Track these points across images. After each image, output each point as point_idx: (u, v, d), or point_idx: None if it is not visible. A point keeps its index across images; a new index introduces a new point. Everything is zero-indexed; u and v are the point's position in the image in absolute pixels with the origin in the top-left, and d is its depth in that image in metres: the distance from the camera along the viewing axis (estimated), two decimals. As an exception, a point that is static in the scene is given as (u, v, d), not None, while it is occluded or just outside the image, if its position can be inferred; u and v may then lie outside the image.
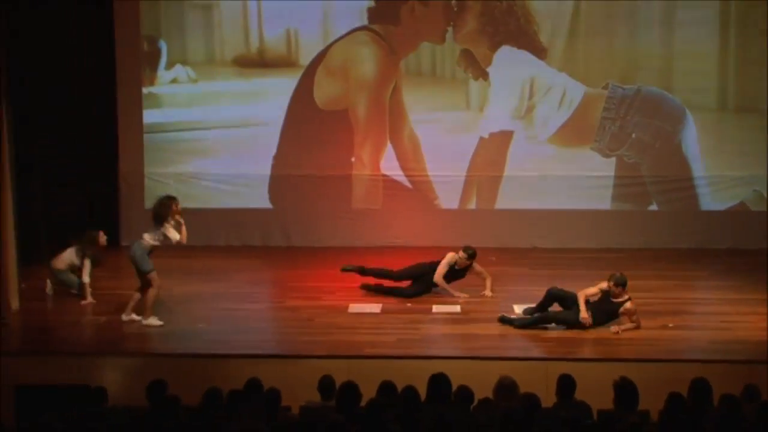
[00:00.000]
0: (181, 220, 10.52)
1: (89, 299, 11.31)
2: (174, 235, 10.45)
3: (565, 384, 7.70)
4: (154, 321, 10.53)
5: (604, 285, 10.50)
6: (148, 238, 10.54)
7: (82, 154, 13.48)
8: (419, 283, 11.57)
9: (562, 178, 13.76)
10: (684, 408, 7.26)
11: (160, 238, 10.51)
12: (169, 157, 13.99)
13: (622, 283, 10.47)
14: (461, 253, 11.43)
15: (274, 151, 13.95)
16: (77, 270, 11.45)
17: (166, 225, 10.44)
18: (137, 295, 10.65)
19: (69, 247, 11.55)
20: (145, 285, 10.56)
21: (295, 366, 9.52)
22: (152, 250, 10.59)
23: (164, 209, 10.51)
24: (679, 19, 13.49)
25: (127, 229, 13.78)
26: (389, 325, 10.71)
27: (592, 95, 13.68)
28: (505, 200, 13.88)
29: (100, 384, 8.25)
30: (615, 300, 10.47)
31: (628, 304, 10.45)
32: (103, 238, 11.61)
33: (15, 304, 11.06)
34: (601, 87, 13.67)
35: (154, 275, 10.53)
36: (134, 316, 10.61)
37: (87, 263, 11.35)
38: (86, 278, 11.34)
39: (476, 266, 11.55)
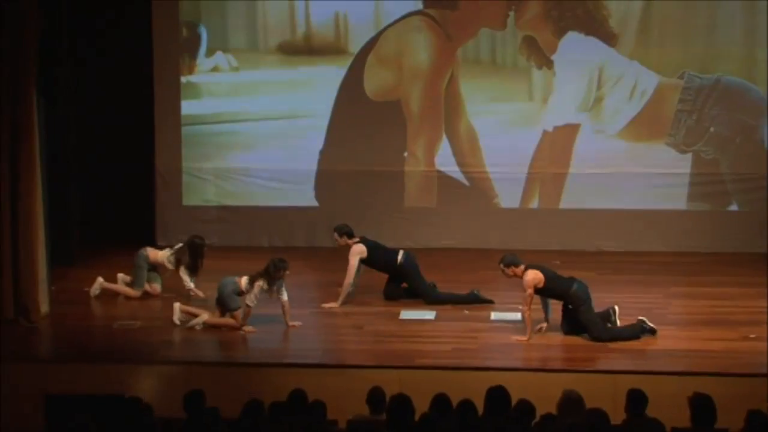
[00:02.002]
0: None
1: (200, 294, 11.46)
2: (252, 300, 10.60)
3: (636, 399, 7.65)
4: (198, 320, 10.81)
5: (529, 291, 10.34)
6: (244, 284, 10.68)
7: (116, 148, 13.60)
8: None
9: (632, 175, 13.66)
10: (766, 427, 7.18)
11: (251, 289, 10.65)
12: (209, 151, 14.07)
13: (512, 262, 10.41)
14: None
15: (320, 145, 13.99)
16: (155, 269, 11.69)
17: (264, 283, 10.57)
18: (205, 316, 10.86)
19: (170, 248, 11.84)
20: (224, 314, 10.82)
21: (342, 376, 9.55)
22: (241, 293, 10.76)
23: (278, 271, 10.66)
24: (762, 4, 13.32)
25: (164, 228, 13.89)
26: (444, 333, 10.71)
27: (667, 85, 13.56)
28: (570, 199, 13.80)
29: (134, 394, 8.31)
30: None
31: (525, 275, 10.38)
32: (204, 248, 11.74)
33: (44, 307, 11.20)
34: (676, 76, 13.54)
35: (239, 314, 10.70)
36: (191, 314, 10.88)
37: (183, 272, 11.54)
38: (190, 284, 11.52)
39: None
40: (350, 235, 11.69)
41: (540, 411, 7.48)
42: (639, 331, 10.46)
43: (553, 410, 7.54)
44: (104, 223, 13.47)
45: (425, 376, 9.47)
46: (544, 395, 7.88)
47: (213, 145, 14.09)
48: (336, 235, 11.73)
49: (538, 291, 10.47)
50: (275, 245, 13.93)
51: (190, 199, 14.10)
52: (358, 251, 11.60)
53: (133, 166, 13.78)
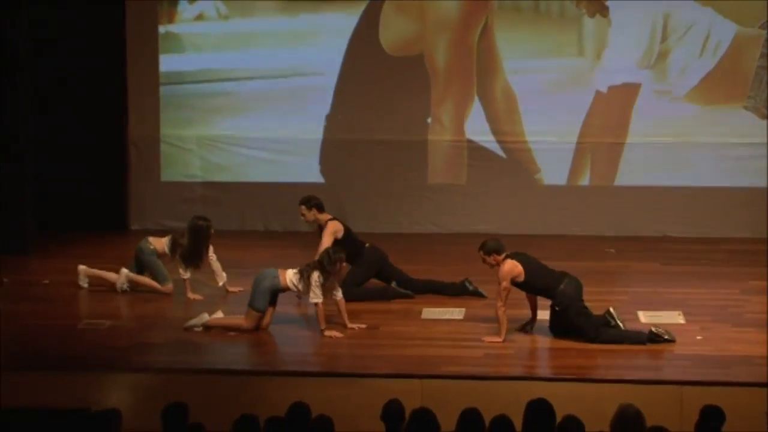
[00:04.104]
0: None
1: (195, 296, 11.58)
2: (317, 296, 10.57)
3: (710, 416, 7.64)
4: (197, 321, 10.84)
5: (504, 284, 10.34)
6: (290, 278, 10.65)
7: (80, 113, 13.63)
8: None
9: (704, 146, 13.68)
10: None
11: (303, 285, 10.63)
12: (192, 115, 14.12)
13: (494, 249, 10.40)
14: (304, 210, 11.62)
15: (327, 109, 14.01)
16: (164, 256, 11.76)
17: (319, 276, 10.56)
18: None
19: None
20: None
21: (352, 387, 9.58)
22: (278, 292, 10.72)
23: (334, 264, 10.61)
24: None
25: (138, 209, 13.95)
26: (474, 335, 10.71)
27: (746, 36, 13.55)
28: (628, 174, 13.83)
29: (102, 407, 8.34)
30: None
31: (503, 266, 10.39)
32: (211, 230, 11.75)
33: (-6, 304, 11.27)
34: (757, 26, 13.53)
35: (255, 315, 10.70)
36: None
37: (178, 262, 11.56)
38: (185, 275, 11.56)
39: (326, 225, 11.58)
40: (321, 208, 11.64)
41: (590, 429, 7.48)
42: (645, 338, 10.41)
43: (606, 428, 7.55)
44: (65, 204, 13.51)
45: (452, 386, 9.47)
46: (595, 410, 7.92)
47: (197, 109, 14.13)
48: (303, 208, 11.63)
49: (518, 285, 10.47)
50: (272, 229, 13.98)
51: (169, 173, 14.14)
52: (334, 229, 11.55)
53: (100, 135, 13.81)
